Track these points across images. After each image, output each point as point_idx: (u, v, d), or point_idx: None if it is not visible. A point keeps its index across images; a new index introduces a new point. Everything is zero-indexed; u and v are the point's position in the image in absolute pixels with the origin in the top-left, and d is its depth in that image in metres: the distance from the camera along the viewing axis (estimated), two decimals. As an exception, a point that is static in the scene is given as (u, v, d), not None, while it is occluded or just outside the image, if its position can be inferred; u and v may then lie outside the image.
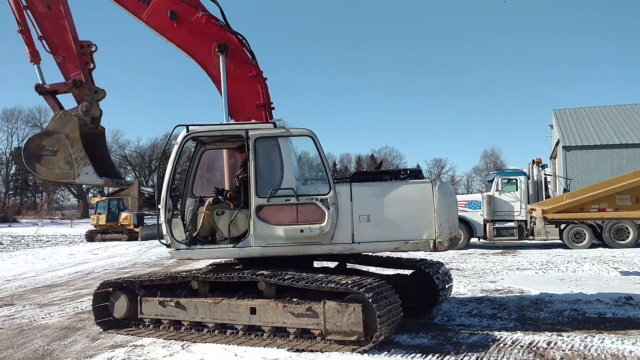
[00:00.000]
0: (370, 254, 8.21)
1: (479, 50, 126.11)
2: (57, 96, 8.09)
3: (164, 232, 7.13)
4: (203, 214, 7.28)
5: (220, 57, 7.86)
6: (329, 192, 6.88)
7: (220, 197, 7.46)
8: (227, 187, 8.08)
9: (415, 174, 7.26)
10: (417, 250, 7.19)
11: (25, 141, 7.51)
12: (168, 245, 7.17)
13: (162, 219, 7.14)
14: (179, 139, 7.19)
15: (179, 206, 7.58)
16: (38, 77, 8.06)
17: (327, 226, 6.81)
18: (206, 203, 7.40)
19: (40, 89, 7.99)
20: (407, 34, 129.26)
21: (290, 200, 6.89)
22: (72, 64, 7.96)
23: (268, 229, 6.89)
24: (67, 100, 8.06)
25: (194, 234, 7.30)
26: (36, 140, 7.67)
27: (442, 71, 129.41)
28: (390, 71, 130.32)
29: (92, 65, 8.09)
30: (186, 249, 7.14)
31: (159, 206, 7.19)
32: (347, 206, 6.87)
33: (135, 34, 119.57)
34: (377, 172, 8.91)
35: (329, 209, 6.81)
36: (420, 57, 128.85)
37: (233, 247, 7.03)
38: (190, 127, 7.14)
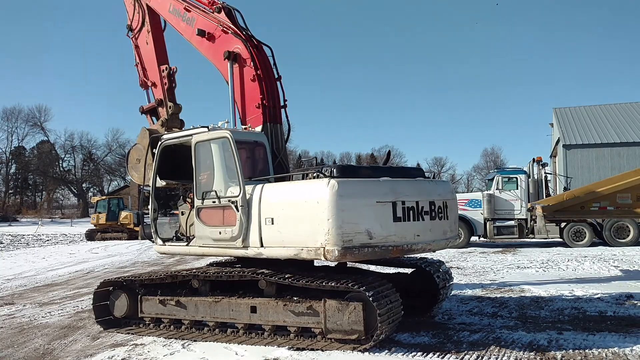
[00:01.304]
0: None
1: (479, 49, 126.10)
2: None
3: (152, 229, 7.93)
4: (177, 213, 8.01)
5: (228, 63, 8.14)
6: (239, 193, 6.72)
7: (184, 198, 8.08)
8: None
9: (339, 170, 6.27)
10: (314, 259, 6.36)
11: (126, 153, 9.36)
12: (154, 242, 8.06)
13: (150, 218, 8.02)
14: (157, 147, 7.91)
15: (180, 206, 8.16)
16: (146, 99, 9.82)
17: (237, 228, 6.67)
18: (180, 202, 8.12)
19: (141, 110, 9.83)
20: (407, 33, 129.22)
21: (216, 202, 6.99)
22: (158, 87, 9.44)
23: (203, 230, 7.17)
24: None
25: (176, 232, 7.91)
26: (130, 151, 9.32)
27: (442, 70, 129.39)
28: (390, 70, 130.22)
29: (174, 85, 9.34)
30: (161, 245, 7.91)
31: (149, 207, 8.04)
32: (255, 208, 6.57)
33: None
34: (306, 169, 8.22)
35: (238, 210, 6.66)
36: (420, 56, 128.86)
37: (186, 244, 7.45)
38: (163, 136, 7.97)
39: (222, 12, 8.42)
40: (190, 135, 7.47)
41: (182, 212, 7.86)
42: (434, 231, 6.78)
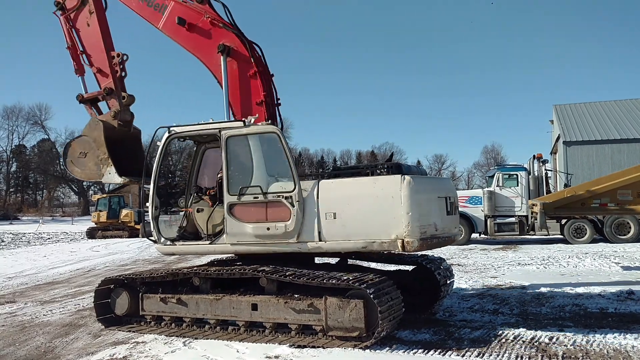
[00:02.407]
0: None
1: (478, 47, 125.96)
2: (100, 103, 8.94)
3: (152, 229, 7.52)
4: (188, 211, 7.63)
5: (222, 57, 7.91)
6: (294, 189, 6.75)
7: (199, 195, 7.73)
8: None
9: (395, 168, 6.80)
10: (386, 250, 6.78)
11: (64, 145, 8.52)
12: (155, 241, 7.65)
13: (150, 216, 7.62)
14: (162, 140, 7.58)
15: (181, 203, 7.97)
16: (82, 88, 8.91)
17: (292, 224, 6.69)
18: (190, 200, 7.78)
19: (79, 98, 8.86)
20: (407, 30, 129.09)
21: (258, 197, 6.89)
22: (104, 74, 8.60)
23: (239, 227, 6.96)
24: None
25: (182, 231, 7.68)
26: (72, 144, 8.60)
27: (442, 67, 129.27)
28: (390, 68, 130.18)
29: (124, 74, 8.62)
30: (170, 244, 7.55)
31: (147, 204, 7.69)
32: (313, 203, 6.68)
33: (136, 35, 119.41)
34: (355, 167, 8.94)
35: (294, 206, 6.68)
36: (419, 54, 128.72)
37: (209, 243, 7.22)
38: (171, 128, 7.48)
39: (206, 3, 8.18)
40: (217, 129, 7.22)
41: (198, 210, 7.47)
42: (457, 225, 7.70)
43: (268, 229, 6.80)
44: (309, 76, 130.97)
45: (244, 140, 7.09)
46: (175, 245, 7.54)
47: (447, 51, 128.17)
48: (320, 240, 6.66)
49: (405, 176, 6.39)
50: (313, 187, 6.75)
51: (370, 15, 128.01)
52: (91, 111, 8.80)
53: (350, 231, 6.54)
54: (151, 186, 7.65)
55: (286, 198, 6.74)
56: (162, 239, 7.57)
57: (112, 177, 8.35)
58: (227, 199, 7.00)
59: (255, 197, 6.90)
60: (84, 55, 8.85)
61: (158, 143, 7.60)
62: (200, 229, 7.49)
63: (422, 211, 6.43)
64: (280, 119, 8.28)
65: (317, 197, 6.66)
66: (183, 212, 7.92)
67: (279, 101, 8.28)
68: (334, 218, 6.57)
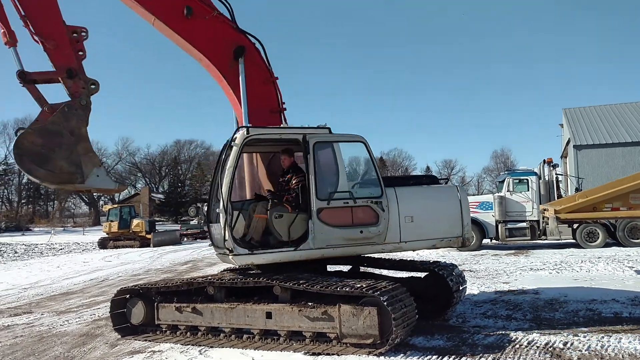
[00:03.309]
0: (384, 257, 8.33)
1: (487, 50, 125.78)
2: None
3: (226, 237, 6.79)
4: (257, 217, 7.15)
5: (240, 60, 7.78)
6: (382, 195, 7.25)
7: (276, 201, 7.28)
8: (265, 190, 8.08)
9: (432, 178, 8.30)
10: (450, 247, 8.08)
11: (16, 137, 6.19)
12: (231, 251, 6.85)
13: (222, 224, 6.80)
14: (239, 141, 6.97)
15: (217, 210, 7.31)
16: (15, 62, 6.83)
17: (382, 227, 7.21)
18: (258, 206, 7.28)
19: (25, 77, 6.76)
20: (414, 34, 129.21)
21: (348, 202, 7.11)
22: (64, 51, 6.94)
23: (329, 231, 7.03)
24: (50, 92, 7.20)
25: (249, 239, 7.22)
26: (30, 136, 6.34)
27: (450, 71, 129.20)
28: (397, 73, 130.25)
29: (83, 54, 7.12)
30: (248, 253, 6.93)
31: (218, 210, 6.94)
32: (394, 208, 7.32)
33: (142, 41, 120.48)
34: (402, 177, 9.37)
35: (383, 210, 7.21)
36: (427, 58, 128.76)
37: (294, 249, 7.00)
38: (250, 129, 7.06)
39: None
40: (301, 134, 7.15)
41: (276, 216, 7.08)
42: None
43: (361, 232, 7.13)
44: (316, 79, 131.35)
45: (330, 147, 7.24)
46: (254, 254, 6.98)
47: (455, 55, 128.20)
48: (400, 241, 7.38)
49: (457, 186, 7.92)
50: (392, 193, 7.38)
51: (377, 16, 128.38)
52: (40, 95, 6.93)
53: (423, 232, 7.50)
54: (225, 191, 6.84)
55: (376, 203, 7.21)
56: (239, 249, 6.89)
57: (101, 180, 6.72)
58: (317, 204, 6.97)
59: (345, 202, 7.11)
60: (27, 21, 6.85)
61: (233, 143, 7.00)
62: (279, 235, 7.07)
63: (469, 213, 7.85)
64: (286, 123, 8.25)
65: (397, 203, 7.35)
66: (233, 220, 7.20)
67: (283, 105, 8.31)
68: (412, 221, 7.40)
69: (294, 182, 7.44)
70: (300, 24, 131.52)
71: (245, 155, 8.15)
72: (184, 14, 7.58)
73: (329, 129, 7.33)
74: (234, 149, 6.93)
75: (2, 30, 6.83)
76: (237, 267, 7.75)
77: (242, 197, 8.15)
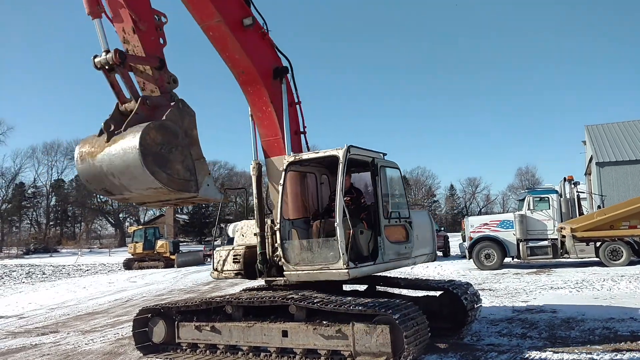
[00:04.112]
0: (399, 276, 8.58)
1: (511, 68, 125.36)
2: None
3: (342, 252, 6.77)
4: (349, 233, 7.07)
5: (283, 80, 8.01)
6: (409, 215, 8.17)
7: (359, 218, 7.61)
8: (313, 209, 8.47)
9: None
10: (428, 262, 9.15)
11: (140, 133, 5.03)
12: (347, 265, 6.79)
13: (339, 238, 6.78)
14: (342, 158, 7.12)
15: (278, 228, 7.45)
16: (100, 39, 5.54)
17: (412, 244, 8.10)
18: (345, 223, 7.20)
19: (123, 57, 5.46)
20: (440, 55, 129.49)
21: (399, 222, 7.91)
22: (151, 36, 5.93)
23: (389, 247, 7.59)
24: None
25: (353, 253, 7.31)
26: (152, 132, 5.20)
27: (473, 89, 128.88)
28: (422, 93, 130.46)
29: (164, 43, 6.14)
30: (353, 267, 6.88)
31: (336, 225, 6.85)
32: (414, 227, 8.22)
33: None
34: None
35: (412, 229, 8.08)
36: (450, 77, 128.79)
37: (373, 264, 7.38)
38: (351, 147, 7.29)
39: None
40: (372, 157, 7.71)
41: (360, 232, 7.41)
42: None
43: (406, 247, 7.95)
44: (340, 101, 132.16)
45: (385, 171, 7.83)
46: (358, 267, 7.00)
47: (477, 73, 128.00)
48: (412, 255, 8.17)
49: (428, 211, 8.59)
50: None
51: (403, 35, 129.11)
52: (132, 83, 5.68)
53: (421, 248, 8.48)
54: (339, 205, 6.89)
55: (409, 223, 8.07)
56: (351, 263, 6.83)
57: (210, 190, 5.83)
58: (383, 222, 7.49)
59: (396, 221, 7.81)
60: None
61: (340, 161, 7.11)
62: (362, 250, 7.43)
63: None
64: (308, 147, 8.46)
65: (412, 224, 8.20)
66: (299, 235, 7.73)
67: (305, 129, 8.54)
68: (418, 239, 8.28)
69: (362, 201, 8.05)
70: (322, 48, 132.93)
71: (290, 175, 7.96)
72: (242, 23, 7.54)
73: (383, 154, 8.03)
74: (341, 167, 7.08)
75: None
76: (348, 279, 7.14)
77: (283, 215, 7.65)
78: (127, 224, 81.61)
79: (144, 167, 5.01)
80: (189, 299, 8.62)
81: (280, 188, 7.40)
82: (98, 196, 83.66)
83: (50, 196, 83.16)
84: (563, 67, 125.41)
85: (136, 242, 35.02)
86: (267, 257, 7.73)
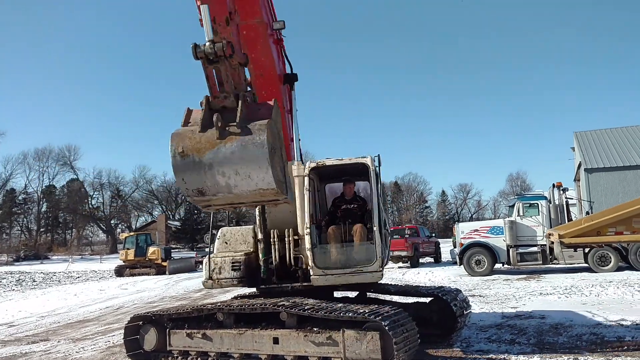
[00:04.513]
0: (389, 283, 8.66)
1: (502, 74, 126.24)
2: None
3: (379, 255, 7.31)
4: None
5: (293, 87, 8.07)
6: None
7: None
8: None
9: None
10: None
11: (265, 130, 4.81)
12: (382, 267, 7.44)
13: (378, 242, 7.33)
14: (371, 166, 7.64)
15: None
16: (207, 26, 5.05)
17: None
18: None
19: (233, 50, 5.04)
20: (431, 61, 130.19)
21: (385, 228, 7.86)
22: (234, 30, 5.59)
23: (385, 252, 7.74)
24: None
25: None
26: (269, 130, 4.94)
27: (464, 95, 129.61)
28: (421, 93, 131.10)
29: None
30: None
31: (375, 229, 7.43)
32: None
33: (157, 71, 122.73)
34: None
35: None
36: (442, 82, 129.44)
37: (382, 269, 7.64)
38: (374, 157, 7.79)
39: None
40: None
41: (369, 238, 7.78)
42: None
43: (391, 252, 7.87)
44: (328, 108, 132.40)
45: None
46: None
47: (469, 79, 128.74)
48: None
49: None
50: None
51: (397, 42, 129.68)
52: (236, 78, 5.27)
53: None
54: (376, 211, 7.43)
55: (387, 230, 8.08)
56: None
57: (290, 194, 5.69)
58: (384, 229, 7.73)
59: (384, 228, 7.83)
60: None
61: (373, 170, 7.62)
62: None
63: None
64: (301, 155, 8.50)
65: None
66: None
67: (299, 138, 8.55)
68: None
69: (367, 208, 7.99)
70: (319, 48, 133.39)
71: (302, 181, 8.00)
72: (272, 26, 7.54)
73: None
74: (373, 174, 7.56)
75: None
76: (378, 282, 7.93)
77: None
78: (118, 230, 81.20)
79: (269, 165, 4.83)
80: (181, 306, 8.64)
81: (306, 193, 7.56)
82: (90, 202, 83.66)
83: (41, 202, 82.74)
84: (561, 68, 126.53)
85: (128, 249, 34.94)
86: (273, 263, 7.75)
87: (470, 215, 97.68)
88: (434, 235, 36.90)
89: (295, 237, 7.71)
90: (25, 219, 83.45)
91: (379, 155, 7.90)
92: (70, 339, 10.86)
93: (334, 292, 8.43)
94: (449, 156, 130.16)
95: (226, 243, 8.24)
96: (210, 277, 7.92)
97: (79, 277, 33.83)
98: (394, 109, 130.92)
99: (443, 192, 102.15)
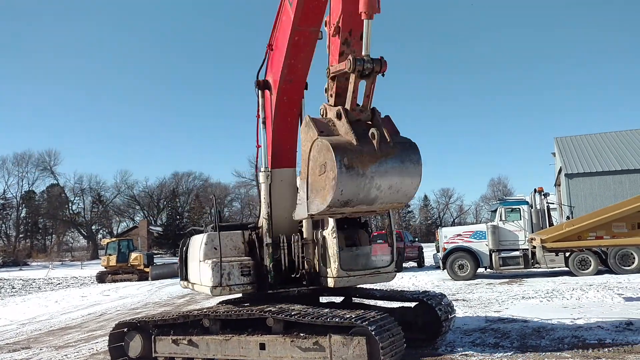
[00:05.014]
0: (375, 288, 8.77)
1: (484, 79, 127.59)
2: None
3: (395, 258, 8.27)
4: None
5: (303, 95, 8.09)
6: None
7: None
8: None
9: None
10: None
11: (417, 146, 5.16)
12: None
13: (394, 247, 8.40)
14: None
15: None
16: (368, 41, 5.17)
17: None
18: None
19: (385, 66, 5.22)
20: (411, 64, 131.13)
21: None
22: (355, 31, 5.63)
23: None
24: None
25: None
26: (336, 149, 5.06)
27: (445, 100, 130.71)
28: (393, 100, 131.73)
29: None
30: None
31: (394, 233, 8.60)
32: None
33: (140, 73, 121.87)
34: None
35: None
36: (424, 86, 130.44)
37: None
38: None
39: None
40: None
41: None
42: None
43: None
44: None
45: None
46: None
47: (448, 82, 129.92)
48: None
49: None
50: None
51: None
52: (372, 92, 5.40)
53: None
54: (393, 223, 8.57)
55: None
56: None
57: None
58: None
59: None
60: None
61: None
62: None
63: None
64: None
65: None
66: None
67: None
68: None
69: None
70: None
71: None
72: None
73: None
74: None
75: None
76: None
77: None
78: (100, 236, 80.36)
79: (420, 181, 5.25)
80: (166, 312, 8.61)
81: None
82: (70, 208, 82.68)
83: (20, 208, 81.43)
84: (545, 73, 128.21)
85: (109, 255, 34.56)
86: (283, 266, 7.75)
87: (452, 219, 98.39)
88: (417, 240, 37.12)
89: (303, 242, 7.87)
90: (4, 225, 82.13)
91: None
92: (52, 347, 10.72)
93: (320, 297, 8.47)
94: (431, 161, 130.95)
95: (215, 249, 8.10)
96: (219, 284, 7.50)
97: (59, 284, 33.37)
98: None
99: (425, 196, 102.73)
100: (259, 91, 7.92)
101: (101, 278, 33.49)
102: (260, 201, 8.05)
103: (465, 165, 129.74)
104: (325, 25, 5.99)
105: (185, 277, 8.72)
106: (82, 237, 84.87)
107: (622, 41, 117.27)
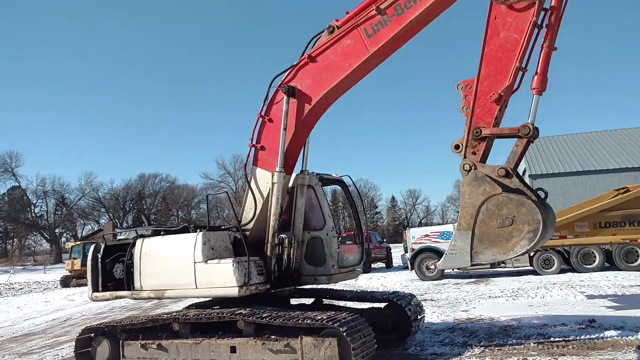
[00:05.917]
0: (345, 289, 8.80)
1: (448, 80, 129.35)
2: None
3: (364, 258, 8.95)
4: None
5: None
6: None
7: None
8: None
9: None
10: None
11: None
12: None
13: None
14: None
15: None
16: (535, 113, 6.09)
17: None
18: None
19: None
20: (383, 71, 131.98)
21: None
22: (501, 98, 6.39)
23: None
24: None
25: None
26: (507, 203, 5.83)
27: (412, 98, 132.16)
28: (361, 102, 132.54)
29: None
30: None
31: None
32: None
33: (107, 77, 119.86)
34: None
35: None
36: (391, 86, 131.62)
37: None
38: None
39: None
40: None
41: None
42: None
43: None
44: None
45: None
46: None
47: (416, 84, 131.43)
48: None
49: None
50: None
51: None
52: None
53: None
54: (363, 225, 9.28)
55: None
56: None
57: None
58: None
59: None
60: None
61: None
62: None
63: None
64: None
65: None
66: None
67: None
68: None
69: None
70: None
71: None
72: None
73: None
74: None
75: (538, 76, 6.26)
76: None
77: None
78: (63, 239, 78.58)
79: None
80: (135, 317, 8.48)
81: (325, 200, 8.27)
82: (32, 211, 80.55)
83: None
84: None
85: (74, 259, 33.80)
86: (283, 267, 7.68)
87: (419, 220, 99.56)
88: (385, 240, 37.43)
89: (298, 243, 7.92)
90: (-39, 229, 79.65)
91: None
92: (15, 354, 10.45)
93: (290, 299, 8.48)
94: (398, 161, 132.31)
95: (212, 249, 7.93)
96: (245, 283, 7.20)
97: (21, 289, 32.51)
98: (341, 116, 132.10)
99: (393, 197, 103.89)
100: (286, 97, 7.60)
101: (65, 282, 32.74)
102: (245, 201, 7.94)
103: (432, 166, 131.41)
104: (461, 89, 6.48)
105: (129, 286, 8.13)
106: (45, 241, 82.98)
107: (583, 43, 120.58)
